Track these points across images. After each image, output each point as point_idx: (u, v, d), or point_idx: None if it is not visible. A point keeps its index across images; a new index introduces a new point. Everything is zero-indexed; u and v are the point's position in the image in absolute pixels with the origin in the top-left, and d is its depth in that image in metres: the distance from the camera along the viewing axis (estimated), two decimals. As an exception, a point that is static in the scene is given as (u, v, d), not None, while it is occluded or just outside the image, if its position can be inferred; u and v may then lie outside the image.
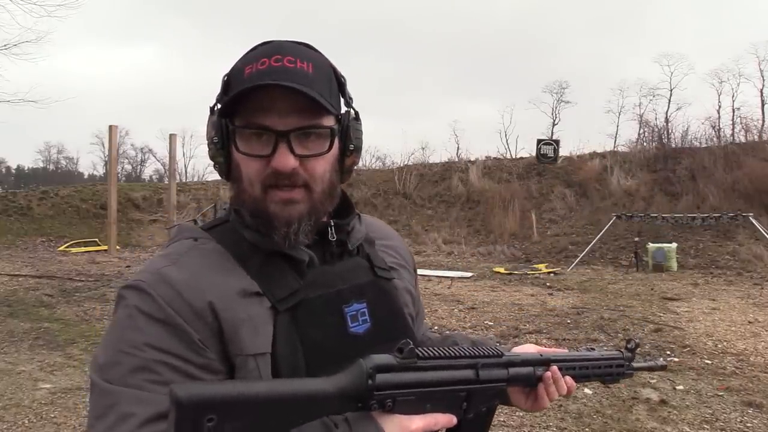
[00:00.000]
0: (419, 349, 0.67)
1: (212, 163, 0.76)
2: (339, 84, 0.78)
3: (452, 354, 0.71)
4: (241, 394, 0.55)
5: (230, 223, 0.77)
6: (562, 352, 0.88)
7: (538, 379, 0.82)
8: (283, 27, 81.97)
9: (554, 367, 0.83)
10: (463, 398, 0.73)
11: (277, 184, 0.71)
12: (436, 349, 0.70)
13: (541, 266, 12.82)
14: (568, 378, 0.85)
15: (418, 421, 0.67)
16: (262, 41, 0.76)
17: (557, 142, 21.83)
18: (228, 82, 0.74)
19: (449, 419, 0.71)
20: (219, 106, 0.74)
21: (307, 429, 0.60)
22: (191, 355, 0.65)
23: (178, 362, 0.64)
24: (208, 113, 0.74)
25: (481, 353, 0.75)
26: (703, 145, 19.32)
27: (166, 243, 0.77)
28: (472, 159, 24.40)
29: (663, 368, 1.11)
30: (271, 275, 0.71)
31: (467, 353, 0.73)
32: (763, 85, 29.02)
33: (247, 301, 0.69)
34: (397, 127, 72.86)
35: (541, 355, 0.84)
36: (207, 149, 0.74)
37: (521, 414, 3.88)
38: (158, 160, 55.23)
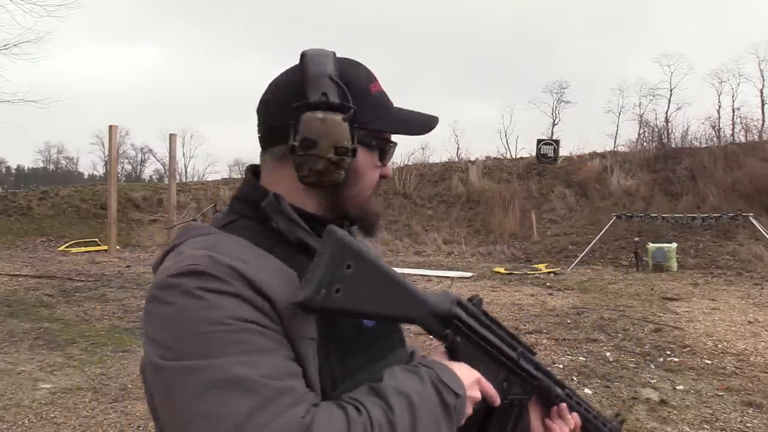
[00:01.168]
0: (485, 312, 0.79)
1: (306, 163, 0.72)
2: None
3: (504, 329, 0.81)
4: (375, 263, 0.68)
5: (243, 221, 0.76)
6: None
7: (556, 398, 0.86)
8: (285, 28, 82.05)
9: (567, 405, 0.87)
10: (504, 378, 0.79)
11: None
12: (497, 321, 0.80)
13: (541, 266, 12.82)
14: (576, 414, 0.89)
15: (480, 375, 0.76)
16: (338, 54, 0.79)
17: (557, 142, 21.83)
18: (351, 86, 0.76)
19: (495, 395, 0.77)
20: (345, 109, 0.73)
21: (398, 371, 0.69)
22: (270, 323, 0.65)
23: (264, 330, 0.64)
24: (318, 110, 0.72)
25: (523, 347, 0.83)
26: (703, 145, 19.32)
27: (177, 240, 0.74)
28: (472, 159, 24.41)
29: None
30: (303, 266, 0.69)
31: (514, 340, 0.82)
32: (763, 85, 29.05)
33: (291, 286, 0.67)
34: (397, 127, 72.74)
35: (563, 386, 0.88)
36: (325, 137, 0.71)
37: (521, 414, 3.88)
38: (158, 160, 55.23)
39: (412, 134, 0.83)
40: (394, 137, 0.83)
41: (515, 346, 0.81)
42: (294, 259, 0.72)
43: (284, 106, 0.74)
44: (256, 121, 0.81)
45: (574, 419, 0.87)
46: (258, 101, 0.80)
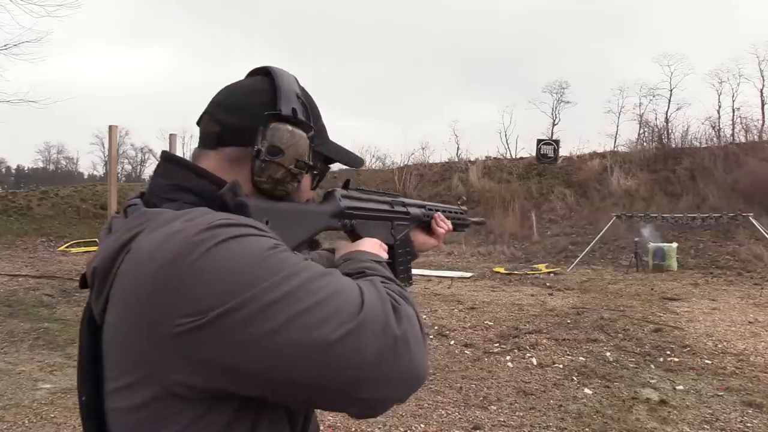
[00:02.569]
0: (358, 188, 1.00)
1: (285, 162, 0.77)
2: None
3: (377, 193, 1.06)
4: (278, 208, 0.79)
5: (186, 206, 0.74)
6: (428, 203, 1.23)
7: (425, 216, 1.17)
8: (287, 29, 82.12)
9: (438, 213, 1.20)
10: (390, 227, 1.05)
11: None
12: (369, 192, 1.03)
13: (541, 266, 12.82)
14: (441, 216, 1.20)
15: (376, 239, 0.95)
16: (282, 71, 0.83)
17: (557, 142, 21.83)
18: (310, 108, 0.83)
19: (384, 243, 0.97)
20: (307, 128, 0.79)
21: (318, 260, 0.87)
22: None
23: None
24: (287, 122, 0.76)
25: (391, 196, 1.09)
26: (703, 145, 19.32)
27: (136, 227, 0.67)
28: (472, 159, 24.41)
29: (482, 223, 1.61)
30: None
31: (384, 196, 1.07)
32: (763, 85, 28.99)
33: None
34: (397, 127, 72.93)
35: (425, 206, 1.19)
36: (291, 148, 0.76)
37: (521, 414, 3.88)
38: (158, 160, 55.22)
39: (350, 165, 0.91)
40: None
41: (387, 200, 1.06)
42: None
43: (254, 111, 0.75)
44: (203, 118, 0.80)
45: (446, 221, 1.20)
46: (213, 100, 0.80)
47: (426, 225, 1.17)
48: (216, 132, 0.78)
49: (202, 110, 0.81)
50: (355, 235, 0.95)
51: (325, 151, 0.86)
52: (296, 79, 0.83)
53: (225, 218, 0.64)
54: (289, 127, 0.76)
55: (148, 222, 0.66)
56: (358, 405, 0.65)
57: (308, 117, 0.80)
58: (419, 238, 1.16)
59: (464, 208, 1.38)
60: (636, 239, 12.84)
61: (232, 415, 0.64)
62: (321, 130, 0.85)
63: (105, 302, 0.65)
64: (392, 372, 0.63)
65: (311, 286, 0.62)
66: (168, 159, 0.77)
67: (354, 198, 0.97)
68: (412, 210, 1.12)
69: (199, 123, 0.81)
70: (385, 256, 0.93)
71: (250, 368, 0.59)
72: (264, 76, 0.80)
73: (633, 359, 5.22)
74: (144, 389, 0.62)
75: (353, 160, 0.91)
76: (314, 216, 0.87)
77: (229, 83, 0.82)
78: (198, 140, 0.81)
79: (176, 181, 0.74)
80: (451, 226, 1.21)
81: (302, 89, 0.83)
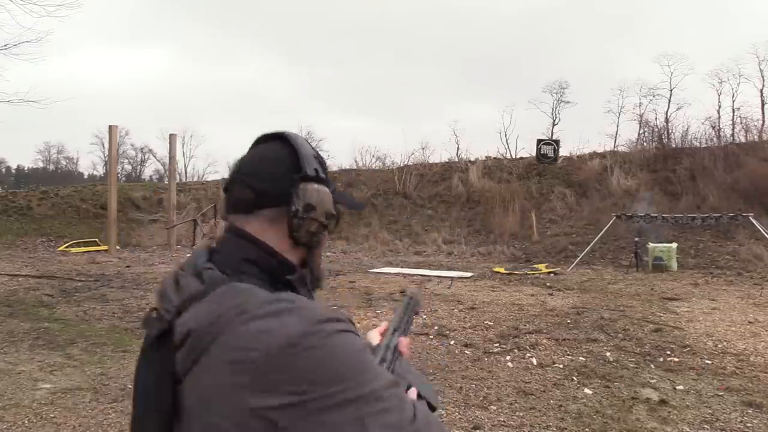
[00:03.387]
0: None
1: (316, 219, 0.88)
2: None
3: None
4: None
5: (253, 279, 0.84)
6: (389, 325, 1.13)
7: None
8: (287, 29, 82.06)
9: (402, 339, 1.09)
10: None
11: None
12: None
13: (541, 266, 12.82)
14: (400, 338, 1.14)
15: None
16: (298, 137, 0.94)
17: (557, 142, 21.84)
18: (324, 165, 0.94)
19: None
20: (327, 184, 0.92)
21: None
22: None
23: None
24: (314, 182, 0.89)
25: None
26: (703, 145, 19.32)
27: (241, 303, 0.78)
28: (472, 159, 24.41)
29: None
30: None
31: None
32: (763, 85, 28.98)
33: None
34: (397, 127, 72.89)
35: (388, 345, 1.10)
36: (320, 204, 0.88)
37: (521, 414, 3.88)
38: (158, 160, 55.15)
39: (355, 209, 1.02)
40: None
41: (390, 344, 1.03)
42: None
43: (284, 176, 0.87)
44: (233, 189, 0.90)
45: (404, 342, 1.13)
46: (236, 172, 0.91)
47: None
48: (251, 198, 0.88)
49: (229, 178, 0.92)
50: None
51: (338, 200, 0.95)
52: (307, 141, 0.94)
53: (329, 315, 0.77)
54: (316, 186, 0.88)
55: (245, 300, 0.77)
56: None
57: (325, 173, 0.91)
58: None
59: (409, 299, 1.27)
60: (636, 239, 12.84)
61: None
62: (331, 181, 0.95)
63: (195, 361, 0.74)
64: None
65: (387, 392, 0.74)
66: (238, 234, 0.88)
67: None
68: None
69: (227, 190, 0.91)
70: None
71: None
72: (280, 141, 0.91)
73: (633, 359, 5.22)
74: None
75: (357, 205, 1.04)
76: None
77: (250, 153, 0.93)
78: (227, 205, 0.92)
79: (248, 256, 0.86)
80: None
81: (314, 149, 0.93)
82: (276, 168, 0.89)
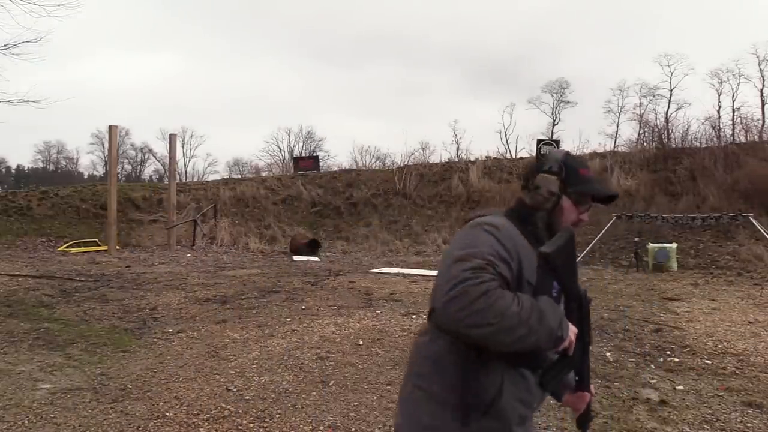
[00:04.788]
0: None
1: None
2: None
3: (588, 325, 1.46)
4: (575, 256, 1.40)
5: (518, 222, 1.45)
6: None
7: (584, 387, 1.55)
8: (287, 31, 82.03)
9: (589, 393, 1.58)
10: (581, 346, 1.41)
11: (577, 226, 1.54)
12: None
13: (541, 266, 12.80)
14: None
15: (575, 333, 1.37)
16: (562, 151, 1.59)
17: (557, 142, 21.86)
18: (568, 169, 1.50)
19: (572, 346, 1.35)
20: (562, 180, 1.49)
21: (548, 302, 1.30)
22: (508, 265, 1.32)
23: (502, 263, 1.30)
24: (550, 174, 1.49)
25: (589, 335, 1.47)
26: (703, 145, 19.32)
27: (481, 213, 1.48)
28: (472, 159, 24.41)
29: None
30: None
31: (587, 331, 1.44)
32: (763, 85, 29.02)
33: (533, 260, 1.36)
34: (398, 127, 72.92)
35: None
36: (544, 189, 1.47)
37: (521, 414, 3.87)
38: (158, 160, 55.18)
39: (599, 199, 1.55)
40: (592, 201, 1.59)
41: (585, 337, 1.41)
42: (534, 247, 1.37)
43: (533, 172, 1.51)
44: (523, 178, 1.55)
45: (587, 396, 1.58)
46: (523, 170, 1.61)
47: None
48: (524, 182, 1.52)
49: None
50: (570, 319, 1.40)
51: (579, 189, 1.50)
52: (567, 153, 1.55)
53: (491, 221, 1.41)
54: (545, 175, 1.48)
55: (486, 212, 1.50)
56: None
57: (561, 170, 1.48)
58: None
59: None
60: (636, 239, 12.84)
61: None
62: (578, 178, 1.50)
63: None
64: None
65: (475, 258, 1.29)
66: (516, 198, 1.56)
67: (586, 303, 1.45)
68: (585, 368, 1.54)
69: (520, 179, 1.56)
70: (569, 341, 1.35)
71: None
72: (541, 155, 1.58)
73: (633, 359, 5.22)
74: None
75: (602, 195, 1.56)
76: (576, 281, 1.41)
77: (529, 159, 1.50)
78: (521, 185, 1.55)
79: (516, 204, 1.53)
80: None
81: (567, 157, 1.52)
82: (533, 168, 1.52)
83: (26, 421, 3.64)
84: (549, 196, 1.45)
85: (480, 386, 1.31)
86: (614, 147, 25.95)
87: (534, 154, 21.39)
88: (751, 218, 12.00)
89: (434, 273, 9.37)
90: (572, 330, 1.32)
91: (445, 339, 1.34)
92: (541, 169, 1.48)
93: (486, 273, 1.22)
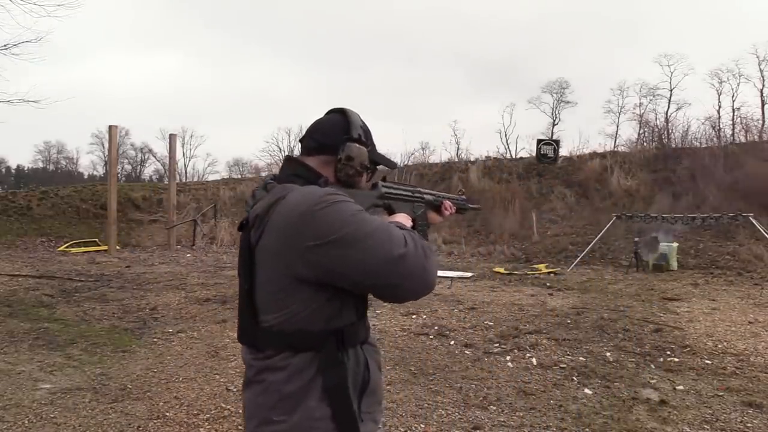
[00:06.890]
0: (392, 181, 1.54)
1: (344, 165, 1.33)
2: None
3: (404, 185, 1.57)
4: (351, 191, 1.32)
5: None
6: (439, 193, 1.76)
7: (440, 204, 1.71)
8: (286, 31, 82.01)
9: (446, 202, 1.73)
10: (412, 207, 1.56)
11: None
12: (398, 184, 1.55)
13: (541, 266, 12.81)
14: (448, 203, 1.74)
15: (405, 214, 1.51)
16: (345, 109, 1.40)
17: (557, 142, 21.84)
18: (367, 133, 1.39)
19: (410, 216, 1.52)
20: (366, 146, 1.36)
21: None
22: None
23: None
24: (356, 143, 1.32)
25: (413, 187, 1.62)
26: (703, 145, 19.33)
27: (281, 193, 1.25)
28: (472, 159, 24.42)
29: (478, 209, 2.21)
30: None
31: (408, 187, 1.59)
32: (763, 85, 29.03)
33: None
34: (398, 127, 72.85)
35: (436, 195, 1.72)
36: (358, 157, 1.31)
37: (521, 414, 3.88)
38: (158, 160, 55.16)
39: (388, 167, 1.46)
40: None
41: (410, 190, 1.58)
42: None
43: (337, 136, 1.31)
44: (305, 138, 1.35)
45: (449, 206, 1.74)
46: (310, 128, 1.36)
47: (437, 208, 1.71)
48: (314, 146, 1.32)
49: (304, 133, 1.37)
50: (390, 211, 1.48)
51: (374, 158, 1.38)
52: (359, 115, 1.37)
53: (332, 191, 1.18)
54: (357, 145, 1.31)
55: (290, 189, 1.20)
56: (398, 294, 1.19)
57: (367, 139, 1.36)
58: (431, 215, 1.70)
59: (464, 196, 1.92)
60: (636, 239, 12.83)
61: (329, 296, 1.18)
62: (372, 145, 1.39)
63: (261, 232, 1.17)
64: (421, 278, 1.18)
65: (380, 232, 1.14)
66: (289, 159, 1.35)
67: (389, 187, 1.50)
68: (427, 197, 1.65)
69: (302, 141, 1.36)
70: (410, 224, 1.48)
71: (344, 270, 1.13)
72: (340, 114, 1.35)
73: (633, 359, 5.22)
74: (282, 278, 1.16)
75: (390, 164, 1.48)
76: (369, 197, 1.41)
77: (320, 119, 1.37)
78: (300, 149, 1.36)
79: (296, 171, 1.30)
80: (454, 209, 1.77)
81: (363, 122, 1.37)
82: (333, 130, 1.32)
83: (26, 421, 3.64)
84: (361, 170, 1.47)
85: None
86: (614, 147, 25.98)
87: (534, 154, 21.38)
88: (751, 218, 11.97)
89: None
90: (404, 217, 1.49)
91: None
92: (350, 134, 1.48)
93: None
